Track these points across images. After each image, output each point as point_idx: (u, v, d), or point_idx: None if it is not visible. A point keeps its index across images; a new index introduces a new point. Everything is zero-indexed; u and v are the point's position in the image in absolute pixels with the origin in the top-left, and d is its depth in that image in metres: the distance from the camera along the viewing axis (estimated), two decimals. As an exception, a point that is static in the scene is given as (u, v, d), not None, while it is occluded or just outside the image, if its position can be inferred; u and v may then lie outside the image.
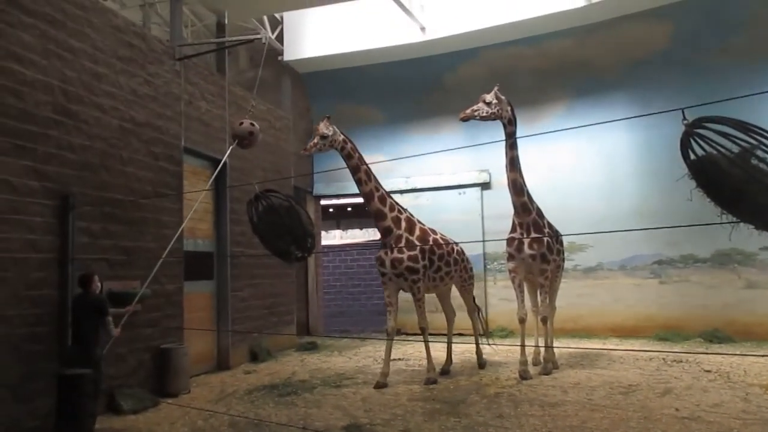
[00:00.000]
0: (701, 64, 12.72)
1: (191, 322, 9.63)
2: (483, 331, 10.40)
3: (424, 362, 9.38)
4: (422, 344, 9.31)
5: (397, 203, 9.24)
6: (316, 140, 8.62)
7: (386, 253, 8.90)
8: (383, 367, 8.87)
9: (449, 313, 10.17)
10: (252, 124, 8.29)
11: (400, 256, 8.78)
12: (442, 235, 9.58)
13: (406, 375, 9.53)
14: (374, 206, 8.87)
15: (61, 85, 7.34)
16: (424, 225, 9.34)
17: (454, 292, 10.21)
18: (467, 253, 10.21)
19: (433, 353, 9.16)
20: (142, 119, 8.82)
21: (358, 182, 8.87)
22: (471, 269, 10.15)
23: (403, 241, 8.81)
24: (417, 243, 8.85)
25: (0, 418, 6.21)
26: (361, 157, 8.88)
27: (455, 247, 9.60)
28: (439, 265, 9.16)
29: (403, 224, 8.97)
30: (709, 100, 4.66)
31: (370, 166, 8.95)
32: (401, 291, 9.23)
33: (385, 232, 8.94)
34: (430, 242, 9.04)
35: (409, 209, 9.40)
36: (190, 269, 9.86)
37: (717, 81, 12.09)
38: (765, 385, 7.99)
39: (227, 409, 7.63)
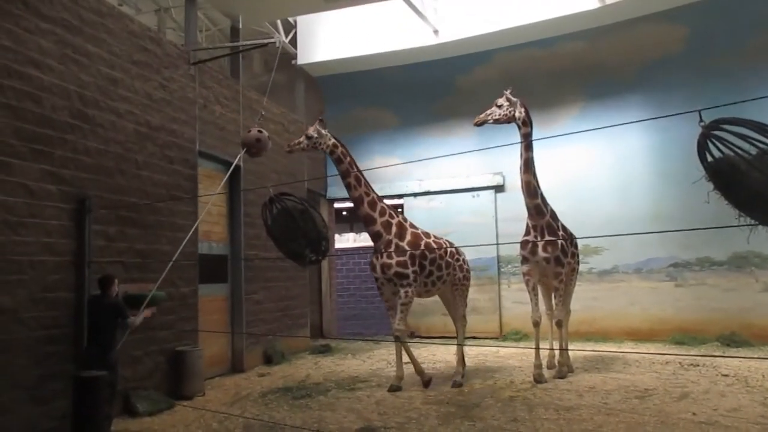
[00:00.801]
0: (717, 65, 12.63)
1: (206, 325, 9.68)
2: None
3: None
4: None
5: (390, 207, 9.13)
6: (301, 139, 8.72)
7: (377, 258, 8.86)
8: (397, 371, 8.86)
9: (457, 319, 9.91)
10: (260, 131, 8.31)
11: (389, 261, 8.70)
12: (435, 237, 9.41)
13: (418, 378, 9.49)
14: (363, 211, 8.83)
15: (78, 90, 7.42)
16: (417, 229, 9.21)
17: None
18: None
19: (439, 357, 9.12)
20: (157, 123, 8.89)
21: (348, 187, 8.87)
22: (467, 270, 9.83)
23: (393, 246, 8.74)
24: (407, 248, 8.74)
25: (17, 420, 6.26)
26: (352, 163, 8.87)
27: (450, 249, 9.39)
28: (430, 270, 8.98)
29: (394, 229, 8.88)
30: (725, 102, 4.61)
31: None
32: (424, 295, 9.23)
33: (375, 237, 8.89)
34: (422, 247, 8.90)
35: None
36: (205, 272, 9.92)
37: (733, 82, 12.02)
38: (784, 390, 7.90)
39: (242, 411, 7.66)
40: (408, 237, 8.92)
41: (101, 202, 7.56)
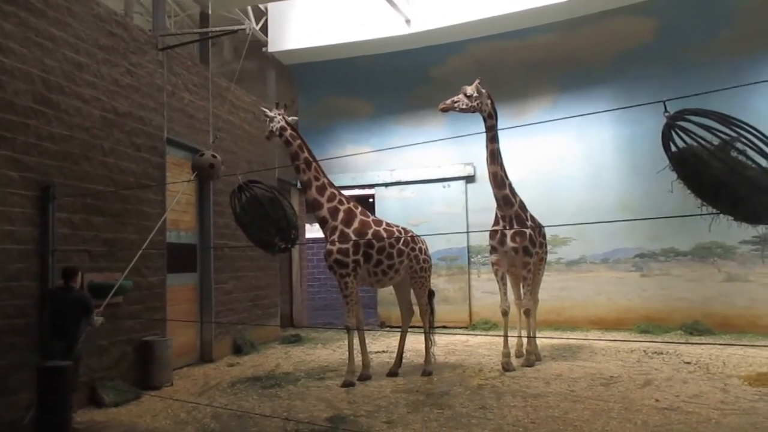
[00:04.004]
0: (686, 58, 12.84)
1: (174, 315, 9.57)
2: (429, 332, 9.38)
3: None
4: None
5: (342, 194, 8.89)
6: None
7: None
8: (354, 363, 8.62)
9: (404, 310, 9.57)
10: (214, 156, 8.27)
11: (330, 248, 8.52)
12: (387, 225, 8.98)
13: (389, 367, 9.52)
14: (310, 195, 8.67)
15: (42, 75, 7.23)
16: (368, 217, 8.90)
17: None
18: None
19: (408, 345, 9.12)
20: (124, 110, 8.73)
21: (297, 170, 8.74)
22: (425, 260, 9.23)
23: (337, 233, 8.54)
24: (352, 235, 8.50)
25: (-21, 411, 6.14)
26: (302, 145, 8.68)
27: (404, 238, 8.94)
28: (379, 259, 8.61)
29: (341, 215, 8.63)
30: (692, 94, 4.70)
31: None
32: (377, 285, 9.12)
33: (321, 223, 8.73)
34: (369, 235, 8.60)
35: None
36: (173, 261, 9.79)
37: (701, 75, 12.23)
38: (743, 376, 8.11)
39: (210, 401, 7.61)
40: (355, 224, 8.64)
41: (66, 189, 7.41)
